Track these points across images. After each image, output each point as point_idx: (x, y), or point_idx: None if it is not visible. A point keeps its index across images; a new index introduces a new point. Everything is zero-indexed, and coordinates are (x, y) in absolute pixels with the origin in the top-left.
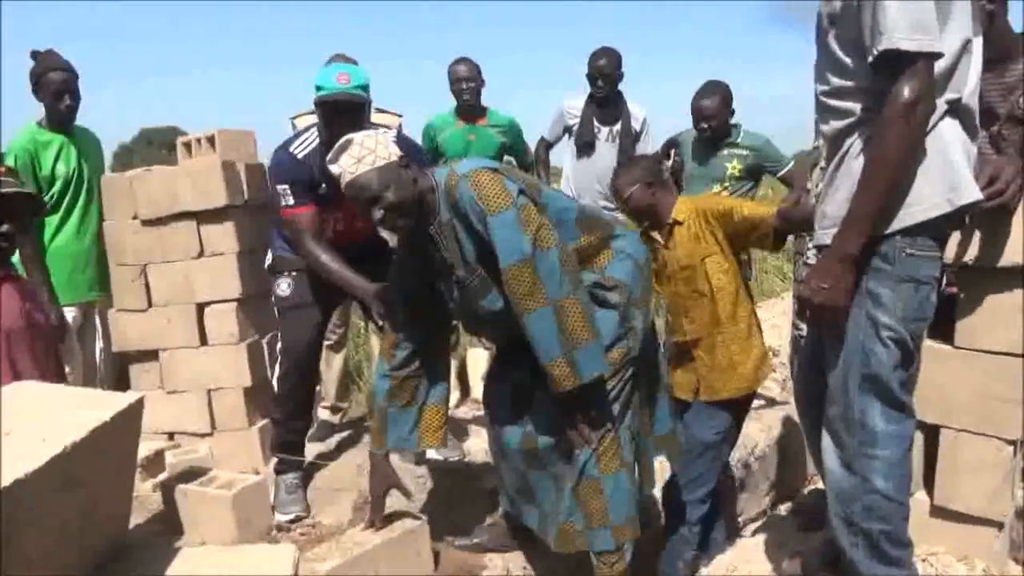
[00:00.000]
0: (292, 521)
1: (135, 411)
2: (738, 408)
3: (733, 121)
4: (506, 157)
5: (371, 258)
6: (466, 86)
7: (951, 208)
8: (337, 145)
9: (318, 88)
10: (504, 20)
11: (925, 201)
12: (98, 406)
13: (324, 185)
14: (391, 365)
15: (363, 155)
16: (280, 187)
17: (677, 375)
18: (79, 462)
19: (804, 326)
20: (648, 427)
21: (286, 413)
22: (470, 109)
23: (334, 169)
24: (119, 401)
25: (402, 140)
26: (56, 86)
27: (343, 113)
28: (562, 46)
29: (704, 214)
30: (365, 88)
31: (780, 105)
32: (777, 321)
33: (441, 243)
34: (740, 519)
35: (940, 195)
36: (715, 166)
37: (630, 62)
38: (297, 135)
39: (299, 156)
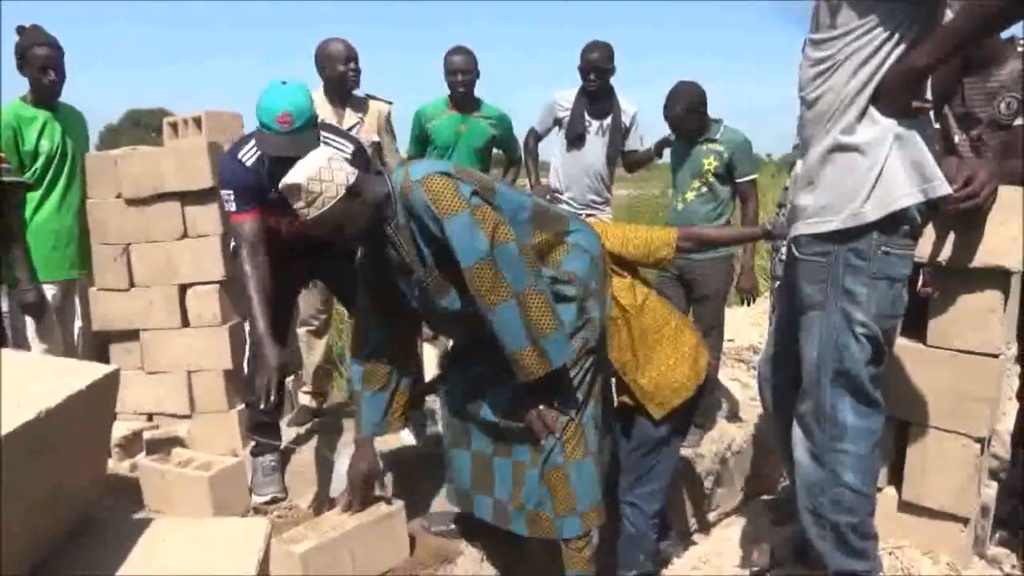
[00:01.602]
0: (269, 503)
1: (111, 382)
2: (687, 403)
3: (716, 117)
4: (495, 151)
5: (327, 250)
6: (461, 77)
7: (924, 199)
8: (283, 186)
9: (260, 122)
10: (513, 17)
11: (901, 190)
12: (73, 375)
13: (273, 191)
14: (361, 354)
15: (312, 199)
16: (224, 192)
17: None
18: (52, 429)
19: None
20: (610, 414)
21: (255, 396)
22: (463, 99)
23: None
24: (95, 371)
25: (355, 156)
26: (40, 61)
27: (285, 162)
28: (566, 45)
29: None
30: (309, 126)
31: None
32: (758, 320)
33: (399, 246)
34: (716, 513)
35: (915, 186)
36: (694, 161)
37: (645, 61)
38: (245, 139)
39: (246, 163)
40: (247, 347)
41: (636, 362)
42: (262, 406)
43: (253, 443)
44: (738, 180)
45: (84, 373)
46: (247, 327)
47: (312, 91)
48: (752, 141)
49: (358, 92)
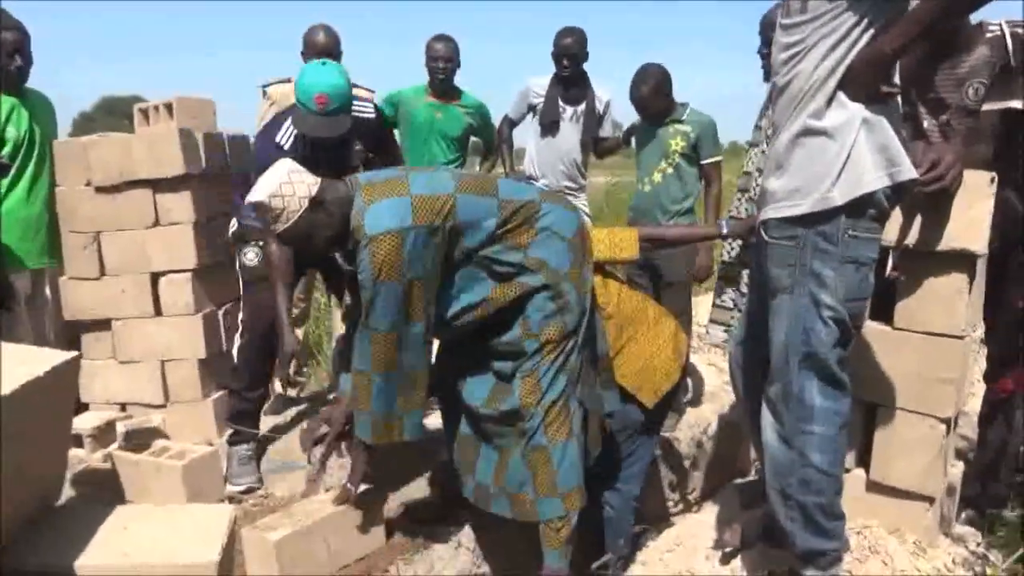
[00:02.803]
0: (244, 492)
1: (70, 369)
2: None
3: (682, 101)
4: (472, 139)
5: None
6: (442, 64)
7: (891, 183)
8: (249, 204)
9: (298, 101)
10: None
11: (869, 174)
12: (32, 362)
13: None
14: (343, 334)
15: (277, 214)
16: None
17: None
18: (11, 416)
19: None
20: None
21: (243, 384)
22: (442, 87)
23: None
24: (54, 357)
25: (378, 116)
26: (6, 46)
27: (323, 148)
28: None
29: None
30: (345, 107)
31: None
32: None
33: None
34: (691, 496)
35: (882, 169)
36: (660, 142)
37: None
38: (278, 120)
39: (284, 146)
40: (237, 335)
41: (621, 353)
42: (256, 392)
43: (231, 431)
44: (704, 161)
45: (44, 360)
46: (221, 315)
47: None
48: (734, 129)
49: None
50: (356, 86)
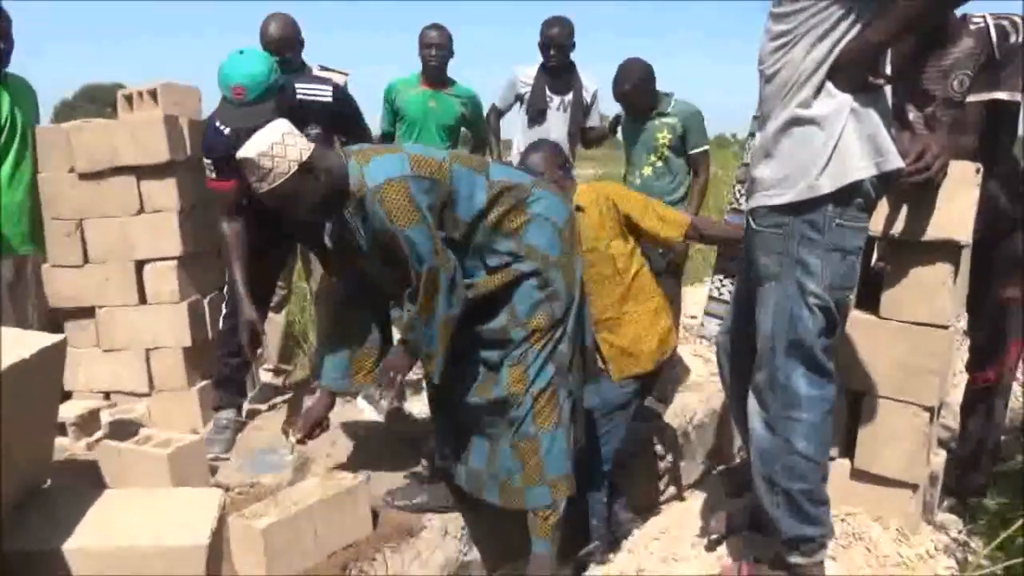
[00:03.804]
0: (212, 459)
1: (57, 352)
2: (647, 376)
3: (666, 91)
4: (463, 130)
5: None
6: (435, 52)
7: (878, 172)
8: (238, 159)
9: (222, 91)
10: None
11: (855, 163)
12: (19, 345)
13: None
14: (327, 317)
15: (263, 174)
16: (205, 160)
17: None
18: None
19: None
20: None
21: (226, 350)
22: (435, 75)
23: None
24: (41, 340)
25: (338, 100)
26: None
27: (249, 132)
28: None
29: (610, 200)
30: (264, 97)
31: None
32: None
33: (353, 229)
34: (677, 485)
35: (869, 159)
36: (647, 136)
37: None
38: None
39: (224, 131)
40: (223, 304)
41: (617, 322)
42: (236, 358)
43: (215, 399)
44: (691, 151)
45: (30, 343)
46: (207, 303)
47: None
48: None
49: (313, 67)
50: (328, 69)
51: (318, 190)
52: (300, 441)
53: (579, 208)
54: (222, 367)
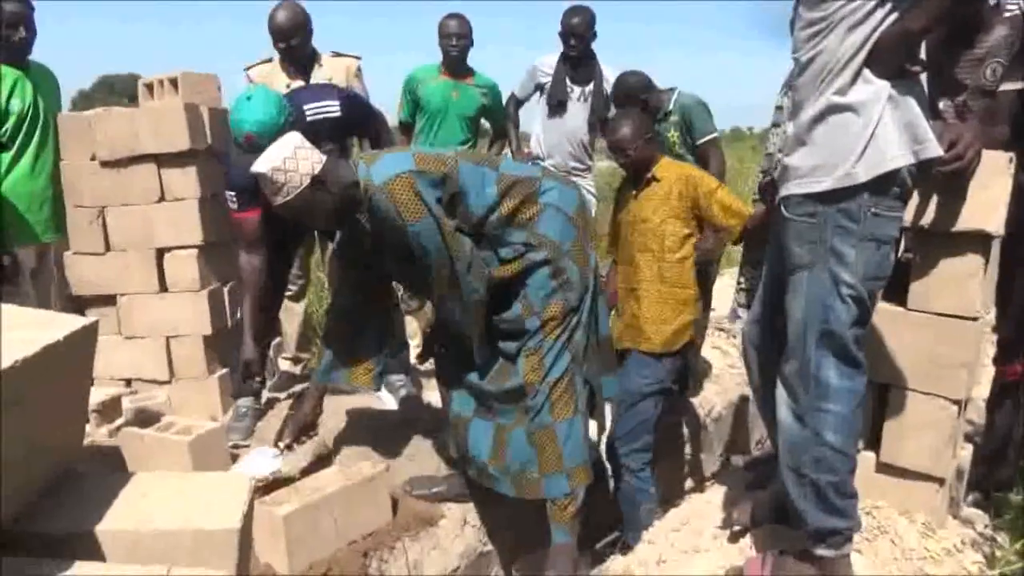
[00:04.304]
0: (232, 447)
1: (89, 334)
2: (671, 359)
3: (669, 87)
4: (482, 122)
5: None
6: (456, 42)
7: (916, 160)
8: (253, 173)
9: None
10: None
11: (893, 151)
12: (50, 326)
13: None
14: (330, 318)
15: (277, 188)
16: (228, 192)
17: (616, 323)
18: (29, 381)
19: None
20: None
21: (246, 336)
22: (455, 65)
23: None
24: (72, 323)
25: (345, 107)
26: (9, 18)
27: None
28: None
29: (684, 179)
30: (277, 134)
31: None
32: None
33: (366, 233)
34: (696, 477)
35: (907, 146)
36: (662, 140)
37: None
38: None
39: (247, 164)
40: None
41: (645, 296)
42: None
43: (235, 386)
44: (698, 142)
45: (61, 325)
46: (227, 291)
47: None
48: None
49: (325, 53)
50: (340, 54)
51: (332, 201)
52: (287, 446)
53: (655, 179)
54: (245, 352)
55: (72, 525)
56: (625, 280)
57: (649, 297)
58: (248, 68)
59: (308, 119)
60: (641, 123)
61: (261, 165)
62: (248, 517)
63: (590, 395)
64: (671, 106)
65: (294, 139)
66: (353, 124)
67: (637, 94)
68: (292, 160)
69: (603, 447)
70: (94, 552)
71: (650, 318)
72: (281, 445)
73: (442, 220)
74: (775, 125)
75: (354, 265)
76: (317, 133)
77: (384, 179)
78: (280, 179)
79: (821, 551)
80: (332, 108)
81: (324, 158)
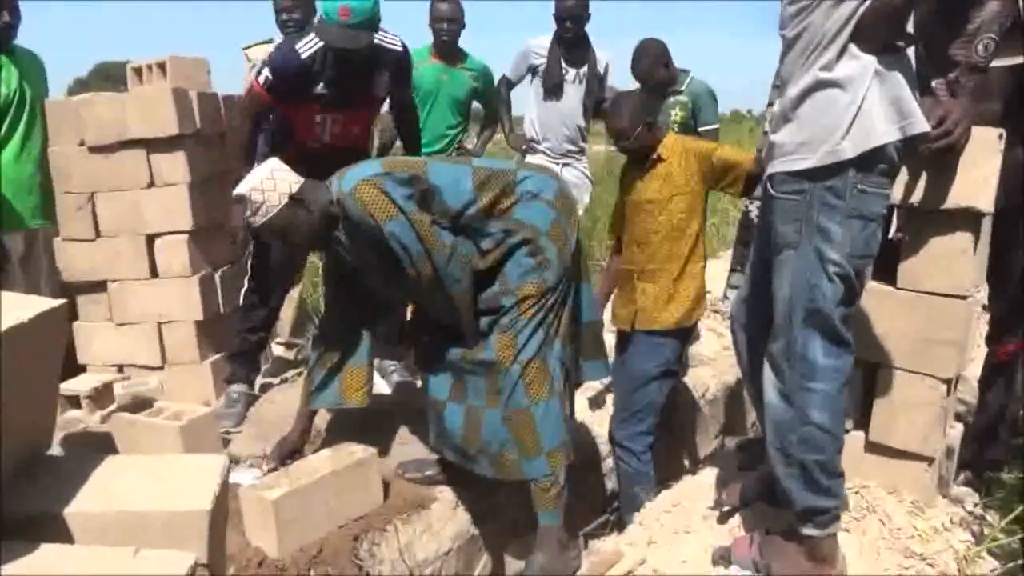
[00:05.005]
0: (224, 432)
1: (57, 315)
2: (677, 340)
3: (683, 68)
4: (474, 105)
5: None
6: (447, 26)
7: (902, 135)
8: (234, 196)
9: (323, 12)
10: None
11: (879, 127)
12: (18, 308)
13: (323, 86)
14: (321, 334)
15: (256, 208)
16: (265, 69)
17: (617, 305)
18: None
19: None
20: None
21: (247, 325)
22: (446, 48)
23: None
24: (39, 304)
25: (405, 52)
26: None
27: (343, 60)
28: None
29: (688, 153)
30: (368, 22)
31: None
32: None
33: (347, 248)
34: (690, 459)
35: (893, 122)
36: (663, 115)
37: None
38: (307, 32)
39: (303, 54)
40: (246, 279)
41: (658, 273)
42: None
43: (227, 372)
44: (700, 129)
45: (28, 306)
46: (218, 277)
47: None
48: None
49: None
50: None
51: (310, 221)
52: (272, 469)
53: (660, 158)
54: (241, 341)
55: (40, 506)
56: (632, 262)
57: (663, 276)
58: (246, 48)
59: (375, 42)
60: (640, 107)
61: (241, 188)
62: (221, 499)
63: (565, 377)
64: (683, 86)
65: (271, 163)
66: (403, 70)
67: (663, 61)
68: (270, 180)
69: (604, 429)
70: (62, 534)
71: (663, 297)
72: (265, 468)
73: (413, 215)
74: (770, 104)
75: (340, 288)
76: (378, 58)
77: (351, 185)
78: (259, 199)
79: (808, 530)
80: (396, 44)
81: (301, 180)
